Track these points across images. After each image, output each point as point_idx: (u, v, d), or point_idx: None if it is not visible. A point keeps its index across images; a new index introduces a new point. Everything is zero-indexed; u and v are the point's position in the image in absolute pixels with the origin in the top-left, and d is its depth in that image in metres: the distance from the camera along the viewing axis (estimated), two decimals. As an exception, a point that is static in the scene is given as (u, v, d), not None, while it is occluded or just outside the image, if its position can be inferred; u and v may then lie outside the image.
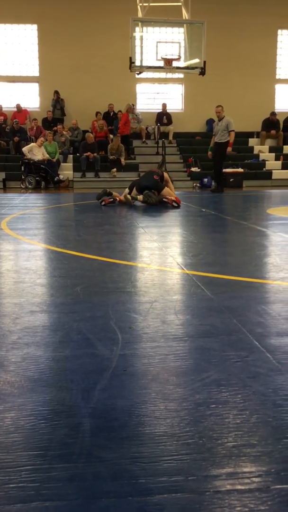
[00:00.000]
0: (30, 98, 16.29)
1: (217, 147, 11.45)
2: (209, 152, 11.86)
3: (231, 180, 13.78)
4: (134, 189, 8.44)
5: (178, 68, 11.81)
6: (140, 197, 8.18)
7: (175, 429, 1.49)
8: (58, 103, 15.64)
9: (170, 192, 8.45)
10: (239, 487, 1.24)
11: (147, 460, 1.34)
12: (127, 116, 14.63)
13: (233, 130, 11.28)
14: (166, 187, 8.45)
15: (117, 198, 8.41)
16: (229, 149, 11.34)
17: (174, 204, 8.03)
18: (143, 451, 1.38)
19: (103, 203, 8.30)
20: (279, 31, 16.82)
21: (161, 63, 11.60)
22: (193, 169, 14.52)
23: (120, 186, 11.56)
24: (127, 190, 8.52)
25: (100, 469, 1.30)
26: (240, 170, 14.02)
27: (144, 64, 11.43)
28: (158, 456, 1.36)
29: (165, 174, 8.95)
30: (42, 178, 13.43)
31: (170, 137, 15.98)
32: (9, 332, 2.32)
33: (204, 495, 1.21)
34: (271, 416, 1.57)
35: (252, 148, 16.03)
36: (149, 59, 11.75)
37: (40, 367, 1.92)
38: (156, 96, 16.88)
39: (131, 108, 14.82)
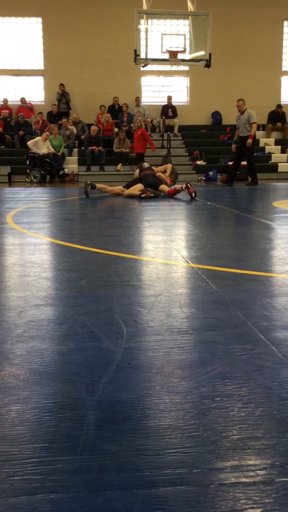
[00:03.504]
0: (35, 92, 16.26)
1: (242, 142, 11.34)
2: (233, 146, 11.76)
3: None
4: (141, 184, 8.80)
5: (183, 60, 11.74)
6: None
7: (180, 422, 1.49)
8: (63, 96, 15.58)
9: (165, 186, 8.89)
10: (243, 479, 1.24)
11: (151, 452, 1.34)
12: (137, 133, 13.14)
13: (255, 122, 11.16)
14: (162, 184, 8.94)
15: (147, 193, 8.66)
16: (249, 141, 11.14)
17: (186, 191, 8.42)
18: (148, 444, 1.38)
19: (143, 195, 8.55)
20: (285, 23, 16.69)
21: (166, 56, 11.53)
22: (198, 162, 14.46)
23: (125, 180, 11.53)
24: (140, 187, 8.74)
25: (104, 462, 1.31)
26: (245, 163, 13.93)
27: (149, 56, 11.38)
28: (163, 449, 1.36)
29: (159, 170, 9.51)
30: (47, 172, 13.43)
31: (175, 130, 15.91)
32: (15, 325, 2.33)
33: (209, 488, 1.21)
34: (276, 409, 1.56)
35: (258, 141, 15.93)
36: (154, 52, 11.68)
37: (45, 360, 1.93)
38: (161, 89, 16.80)
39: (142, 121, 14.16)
